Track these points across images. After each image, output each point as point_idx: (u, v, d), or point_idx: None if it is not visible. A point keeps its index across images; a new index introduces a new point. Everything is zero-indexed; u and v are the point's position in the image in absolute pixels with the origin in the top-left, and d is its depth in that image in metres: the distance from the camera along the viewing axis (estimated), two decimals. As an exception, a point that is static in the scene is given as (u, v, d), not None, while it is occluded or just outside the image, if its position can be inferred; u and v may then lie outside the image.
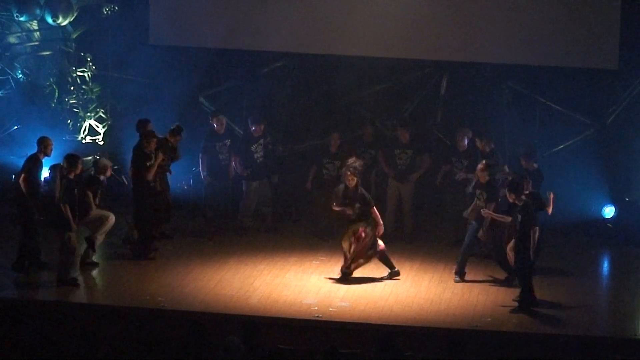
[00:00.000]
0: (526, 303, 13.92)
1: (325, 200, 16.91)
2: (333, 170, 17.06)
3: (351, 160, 15.14)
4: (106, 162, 15.61)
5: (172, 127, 16.55)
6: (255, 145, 17.25)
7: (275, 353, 11.09)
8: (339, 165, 16.89)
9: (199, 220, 17.35)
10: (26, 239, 14.89)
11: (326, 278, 15.14)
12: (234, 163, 17.22)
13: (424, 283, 15.09)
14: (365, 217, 14.98)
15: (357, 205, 14.95)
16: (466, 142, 16.68)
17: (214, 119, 17.14)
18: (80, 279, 14.69)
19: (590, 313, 14.22)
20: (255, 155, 17.24)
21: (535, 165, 15.99)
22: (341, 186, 15.13)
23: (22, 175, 14.83)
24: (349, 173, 14.94)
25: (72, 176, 14.40)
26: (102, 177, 15.40)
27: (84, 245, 15.12)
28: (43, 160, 15.00)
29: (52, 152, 15.02)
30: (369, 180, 17.02)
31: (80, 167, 14.58)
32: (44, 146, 14.91)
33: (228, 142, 17.18)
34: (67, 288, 14.32)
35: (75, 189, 14.44)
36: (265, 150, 17.26)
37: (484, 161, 15.33)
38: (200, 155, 17.11)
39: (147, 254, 15.70)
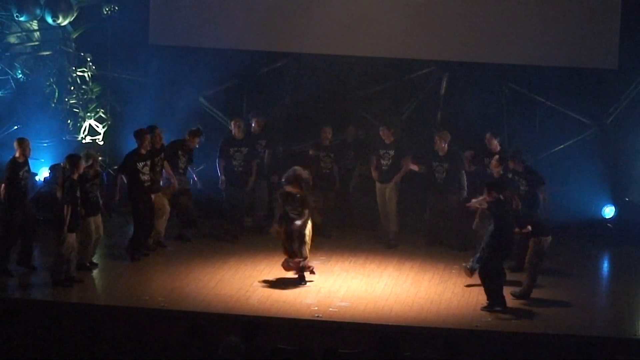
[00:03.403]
0: (494, 299, 13.94)
1: (322, 196, 17.03)
2: (329, 163, 17.13)
3: (299, 171, 14.95)
4: (92, 152, 15.49)
5: (192, 129, 16.61)
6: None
7: (275, 353, 11.09)
8: (334, 158, 16.97)
9: (221, 223, 17.32)
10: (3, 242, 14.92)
11: (326, 278, 15.14)
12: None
13: (424, 283, 15.09)
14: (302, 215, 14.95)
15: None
16: (445, 145, 16.68)
17: (232, 122, 17.13)
18: (80, 279, 14.68)
19: (590, 313, 14.23)
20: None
21: (520, 169, 15.77)
22: (282, 190, 15.05)
23: (2, 183, 14.84)
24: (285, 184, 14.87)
25: (75, 177, 14.39)
26: (95, 168, 15.20)
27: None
28: (25, 160, 14.92)
29: (31, 151, 15.04)
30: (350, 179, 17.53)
31: (82, 166, 14.56)
32: (22, 148, 14.85)
33: (245, 150, 17.00)
34: (67, 288, 14.31)
35: (78, 190, 14.44)
36: (263, 149, 17.26)
37: (496, 156, 15.34)
38: (217, 158, 17.07)
39: (133, 255, 15.67)
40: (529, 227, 14.16)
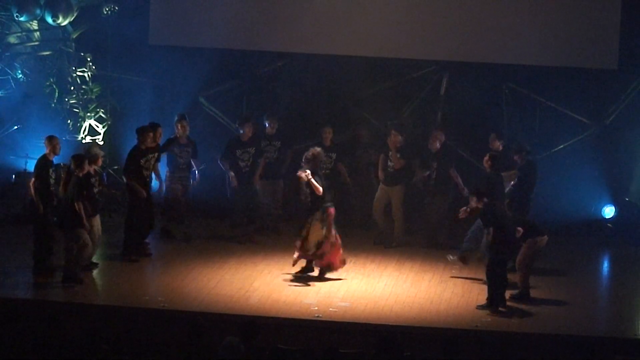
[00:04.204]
0: (495, 301, 13.94)
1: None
2: (329, 163, 17.14)
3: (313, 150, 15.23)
4: (97, 150, 15.48)
5: (176, 119, 16.69)
6: (267, 144, 17.26)
7: (275, 353, 11.09)
8: (335, 158, 17.00)
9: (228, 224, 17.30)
10: (36, 241, 14.89)
11: (326, 278, 15.13)
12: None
13: (424, 283, 15.09)
14: (315, 208, 14.98)
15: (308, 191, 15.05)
16: (438, 144, 16.69)
17: (242, 125, 17.06)
18: (81, 279, 14.68)
19: (590, 313, 14.23)
20: (266, 155, 17.22)
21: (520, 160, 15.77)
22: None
23: (33, 179, 14.83)
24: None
25: (80, 175, 14.39)
26: (94, 167, 15.18)
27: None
28: (53, 160, 14.99)
29: (60, 150, 15.04)
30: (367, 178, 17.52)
31: (86, 166, 14.57)
32: (52, 145, 14.88)
33: (252, 150, 16.99)
34: (67, 288, 14.30)
35: (85, 188, 14.45)
36: (278, 150, 17.29)
37: (489, 154, 15.37)
38: (219, 161, 17.04)
39: (127, 255, 15.67)
40: (520, 230, 14.13)
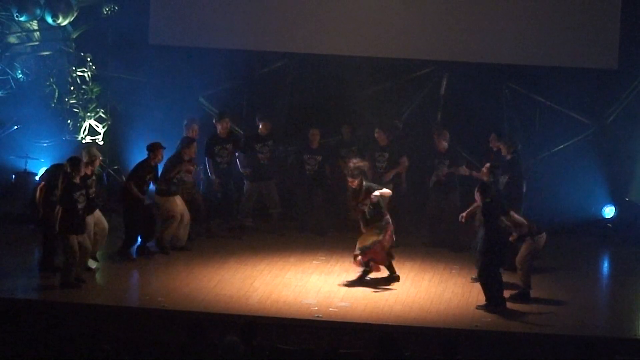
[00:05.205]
0: (494, 302, 13.93)
1: (309, 196, 17.05)
2: (314, 165, 17.18)
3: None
4: (95, 152, 15.41)
5: (187, 121, 16.72)
6: (261, 145, 17.27)
7: (275, 353, 11.09)
8: (320, 160, 17.00)
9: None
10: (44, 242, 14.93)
11: (326, 278, 15.14)
12: (238, 161, 17.25)
13: (424, 283, 15.09)
14: (379, 216, 14.94)
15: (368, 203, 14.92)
16: (444, 143, 16.67)
17: (218, 123, 17.10)
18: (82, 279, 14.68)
19: (590, 313, 14.23)
20: (260, 156, 17.24)
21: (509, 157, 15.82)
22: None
23: (42, 183, 14.80)
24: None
25: (77, 180, 14.32)
26: (91, 168, 15.12)
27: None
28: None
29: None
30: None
31: (83, 169, 14.52)
32: (78, 170, 14.76)
33: (230, 146, 17.11)
34: (67, 288, 14.30)
35: (80, 192, 14.37)
36: (271, 151, 17.29)
37: (487, 165, 15.31)
38: (206, 159, 17.10)
39: (125, 255, 15.70)
40: (515, 235, 14.11)
